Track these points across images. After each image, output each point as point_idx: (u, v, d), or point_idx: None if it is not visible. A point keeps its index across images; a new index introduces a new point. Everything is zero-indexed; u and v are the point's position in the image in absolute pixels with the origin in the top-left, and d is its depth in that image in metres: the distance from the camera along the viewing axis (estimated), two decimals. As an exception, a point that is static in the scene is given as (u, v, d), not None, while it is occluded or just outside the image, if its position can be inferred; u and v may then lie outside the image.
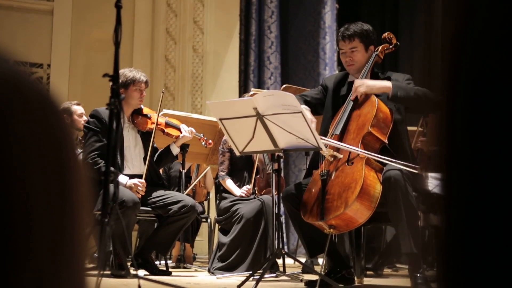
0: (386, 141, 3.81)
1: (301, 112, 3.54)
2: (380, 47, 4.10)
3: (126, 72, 4.88)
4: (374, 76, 4.04)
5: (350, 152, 3.75)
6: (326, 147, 3.73)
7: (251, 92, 4.90)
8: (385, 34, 4.20)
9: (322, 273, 3.82)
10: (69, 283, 0.58)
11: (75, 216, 0.60)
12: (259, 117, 3.64)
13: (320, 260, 5.75)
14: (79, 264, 0.60)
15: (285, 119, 3.59)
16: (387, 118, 3.83)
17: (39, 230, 0.56)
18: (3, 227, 0.54)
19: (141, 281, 2.89)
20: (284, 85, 5.12)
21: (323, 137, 3.80)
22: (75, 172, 0.61)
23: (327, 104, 4.11)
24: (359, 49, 3.99)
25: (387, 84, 3.78)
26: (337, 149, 3.78)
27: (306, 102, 4.06)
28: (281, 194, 3.96)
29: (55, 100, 0.62)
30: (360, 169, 3.62)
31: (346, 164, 3.74)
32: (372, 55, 4.03)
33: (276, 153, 4.01)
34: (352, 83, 4.05)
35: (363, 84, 3.81)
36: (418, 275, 3.64)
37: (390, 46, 4.16)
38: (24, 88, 0.58)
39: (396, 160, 3.68)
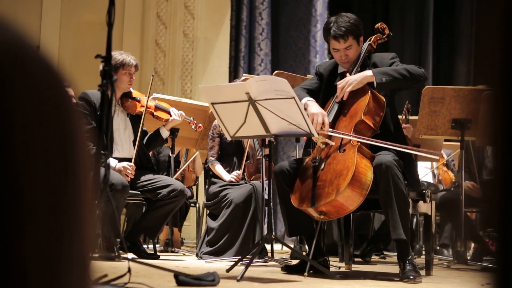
0: (378, 129, 3.83)
1: (293, 97, 3.54)
2: (373, 37, 4.12)
3: (116, 55, 4.84)
4: (363, 64, 4.04)
5: (342, 139, 3.76)
6: (318, 134, 3.73)
7: (243, 78, 4.89)
8: (378, 25, 4.22)
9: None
10: (71, 262, 0.58)
11: (80, 198, 0.59)
12: (251, 102, 3.63)
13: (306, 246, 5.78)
14: (85, 247, 0.59)
15: (277, 105, 3.59)
16: (380, 106, 3.85)
17: (42, 207, 0.55)
18: (5, 202, 0.53)
19: (131, 264, 2.88)
20: (276, 71, 5.11)
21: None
22: (80, 153, 0.60)
23: (321, 93, 4.11)
24: (353, 46, 3.97)
25: (368, 73, 3.79)
26: (329, 136, 3.79)
27: (310, 93, 4.02)
28: (274, 169, 3.96)
29: (61, 74, 0.60)
30: (352, 157, 3.63)
31: (338, 151, 3.75)
32: (365, 46, 4.04)
33: (267, 139, 4.01)
34: (342, 74, 4.05)
35: (346, 84, 3.81)
36: (407, 262, 3.67)
37: (383, 36, 4.18)
38: (28, 57, 0.57)
39: (389, 143, 3.70)
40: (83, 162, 0.60)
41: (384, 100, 3.85)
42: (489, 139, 0.64)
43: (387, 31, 4.19)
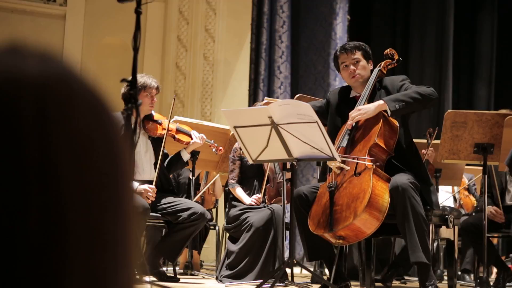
0: (392, 152, 3.82)
1: (316, 122, 3.54)
2: (382, 63, 4.16)
3: (137, 78, 4.87)
4: (374, 89, 4.05)
5: (357, 164, 3.75)
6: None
7: (264, 101, 4.90)
8: (387, 50, 4.26)
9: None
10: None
11: (128, 221, 0.59)
12: (274, 126, 3.64)
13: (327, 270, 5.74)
14: (128, 273, 0.59)
15: (300, 129, 3.59)
16: (393, 130, 3.85)
17: (88, 240, 0.55)
18: (51, 238, 0.53)
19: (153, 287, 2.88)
20: (298, 95, 5.12)
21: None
22: (127, 178, 0.60)
23: (330, 119, 4.14)
24: (362, 61, 4.04)
25: (380, 102, 3.80)
26: (344, 161, 3.79)
27: None
28: (291, 195, 3.96)
29: (108, 104, 0.60)
30: (368, 180, 3.62)
31: (354, 175, 3.74)
32: (375, 71, 4.07)
33: (289, 163, 4.01)
34: (354, 99, 4.07)
35: (359, 114, 3.82)
36: (429, 287, 3.63)
37: (393, 62, 4.23)
38: (75, 90, 0.57)
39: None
40: (129, 187, 0.60)
41: (397, 124, 3.85)
42: None
43: (396, 57, 4.24)
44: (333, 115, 4.13)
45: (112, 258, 0.57)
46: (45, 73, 0.56)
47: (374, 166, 3.69)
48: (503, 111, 5.16)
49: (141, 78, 4.91)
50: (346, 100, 4.13)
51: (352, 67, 4.05)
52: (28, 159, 0.53)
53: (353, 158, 3.77)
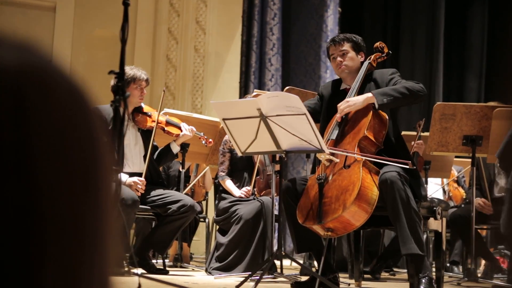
0: (381, 145, 3.84)
1: (305, 114, 3.54)
2: (372, 56, 4.18)
3: (127, 70, 4.85)
4: (364, 81, 4.07)
5: (346, 157, 3.77)
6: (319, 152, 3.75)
7: (254, 93, 4.90)
8: (377, 44, 4.27)
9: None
10: (97, 282, 0.58)
11: (104, 213, 0.59)
12: (263, 118, 3.64)
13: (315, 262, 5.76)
14: (104, 264, 0.60)
15: (288, 121, 3.60)
16: (382, 122, 3.87)
17: (68, 228, 0.55)
18: (27, 226, 0.54)
19: (140, 280, 2.88)
20: (287, 87, 5.12)
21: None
22: (104, 169, 0.60)
23: (322, 113, 4.17)
24: (350, 53, 4.07)
25: (369, 95, 3.81)
26: (333, 154, 3.80)
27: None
28: (280, 187, 3.97)
29: (86, 95, 0.60)
30: (358, 172, 3.63)
31: (343, 167, 3.75)
32: (365, 64, 4.09)
33: (278, 155, 4.02)
34: (344, 91, 4.09)
35: (347, 106, 3.84)
36: (423, 277, 3.65)
37: (383, 55, 4.24)
38: (52, 79, 0.57)
39: (392, 159, 3.69)
40: (106, 179, 0.60)
41: (387, 117, 3.87)
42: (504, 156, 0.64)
43: (386, 50, 4.26)
44: (325, 107, 4.15)
45: (89, 250, 0.58)
46: (23, 63, 0.56)
47: (363, 158, 3.70)
48: (492, 104, 5.18)
49: (131, 71, 4.90)
50: (337, 92, 4.16)
51: (339, 58, 4.10)
52: (4, 147, 0.53)
53: (343, 151, 3.77)
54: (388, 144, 3.89)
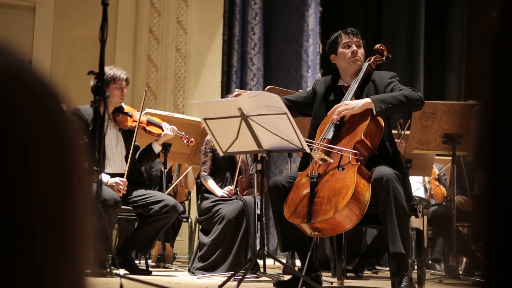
0: (376, 150, 3.84)
1: (286, 113, 3.54)
2: (372, 58, 4.18)
3: (106, 70, 4.83)
4: (363, 82, 4.07)
5: (341, 158, 3.76)
6: (313, 150, 3.75)
7: (235, 93, 4.90)
8: (378, 46, 4.27)
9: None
10: (68, 282, 0.58)
11: (76, 214, 0.59)
12: (244, 117, 3.64)
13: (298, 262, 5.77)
14: (79, 264, 0.59)
15: (269, 120, 3.60)
16: (379, 128, 3.87)
17: (39, 228, 0.55)
18: (2, 224, 0.53)
19: (123, 280, 2.87)
20: (268, 87, 5.12)
21: (315, 141, 3.83)
22: (77, 169, 0.60)
23: (315, 108, 4.14)
24: (362, 48, 4.12)
25: (368, 101, 3.81)
26: (328, 154, 3.79)
27: (292, 104, 4.09)
28: (268, 184, 3.96)
29: (58, 92, 0.61)
30: (352, 176, 3.62)
31: (337, 169, 3.74)
32: (365, 65, 4.09)
33: (260, 154, 4.02)
34: (341, 88, 4.09)
35: (345, 108, 3.84)
36: (404, 276, 3.67)
37: (382, 58, 4.25)
38: (28, 79, 0.57)
39: (337, 147, 3.72)
40: (79, 179, 0.60)
41: (383, 124, 3.87)
42: (477, 154, 0.64)
43: (385, 53, 4.27)
44: (318, 104, 4.13)
45: (59, 251, 0.57)
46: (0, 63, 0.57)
47: (358, 163, 3.70)
48: (472, 102, 5.21)
49: (110, 70, 4.88)
50: (333, 88, 4.14)
51: (355, 48, 4.07)
52: None
53: (338, 151, 3.77)
54: (381, 146, 3.90)
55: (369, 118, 3.80)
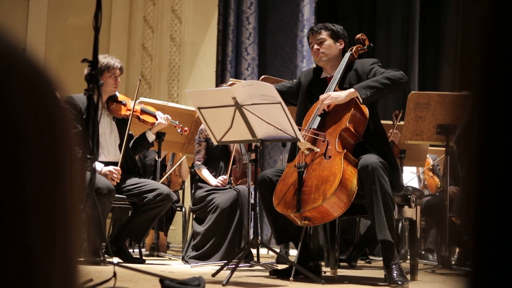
0: (361, 137, 3.87)
1: (280, 103, 3.55)
2: (354, 48, 4.20)
3: (100, 59, 4.82)
4: (346, 71, 4.09)
5: (327, 146, 3.78)
6: (303, 139, 3.76)
7: (230, 82, 4.90)
8: (359, 35, 4.30)
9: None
10: (60, 270, 0.57)
11: (68, 202, 0.59)
12: (238, 106, 3.64)
13: (292, 251, 5.79)
14: (71, 252, 0.59)
15: (263, 110, 3.60)
16: (363, 115, 3.89)
17: (30, 214, 0.55)
18: None
19: (116, 269, 2.87)
20: (262, 76, 5.12)
21: (302, 128, 3.86)
22: (70, 156, 0.59)
23: (300, 99, 4.18)
24: (327, 41, 4.11)
25: (351, 90, 3.85)
26: (314, 143, 3.81)
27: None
28: (256, 179, 3.99)
29: (50, 77, 0.60)
30: (339, 163, 3.64)
31: (323, 157, 3.76)
32: (347, 55, 4.11)
33: (254, 143, 4.02)
34: (324, 80, 4.12)
35: (329, 98, 3.86)
36: (393, 266, 3.68)
37: (364, 47, 4.26)
38: (18, 62, 0.57)
39: (313, 130, 3.74)
40: (71, 166, 0.60)
41: (367, 111, 3.90)
42: (463, 143, 0.64)
43: (367, 42, 4.29)
44: (303, 95, 4.18)
45: (50, 238, 0.57)
46: None
47: (345, 150, 3.72)
48: (466, 93, 5.22)
49: (104, 59, 4.87)
50: (317, 81, 4.19)
51: (316, 46, 4.14)
52: None
53: (323, 138, 3.80)
54: (368, 134, 3.92)
55: (353, 106, 3.84)
